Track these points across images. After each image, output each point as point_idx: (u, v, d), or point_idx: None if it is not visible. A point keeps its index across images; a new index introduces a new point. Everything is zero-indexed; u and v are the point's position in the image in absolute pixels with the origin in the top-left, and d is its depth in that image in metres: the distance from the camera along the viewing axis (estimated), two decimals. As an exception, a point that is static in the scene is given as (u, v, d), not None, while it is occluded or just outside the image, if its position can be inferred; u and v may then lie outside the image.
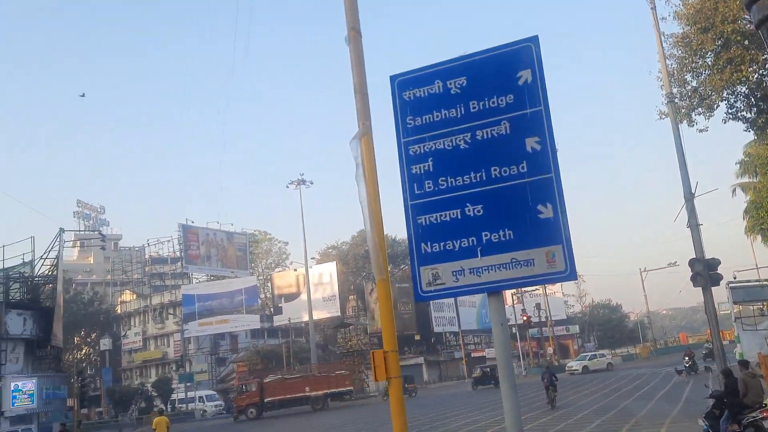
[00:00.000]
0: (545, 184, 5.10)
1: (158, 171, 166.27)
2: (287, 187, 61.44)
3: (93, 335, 72.38)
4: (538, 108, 5.22)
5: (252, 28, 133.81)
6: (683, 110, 20.67)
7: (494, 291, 5.20)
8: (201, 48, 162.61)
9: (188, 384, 57.71)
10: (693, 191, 18.34)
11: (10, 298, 36.51)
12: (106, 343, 69.78)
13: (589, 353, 57.58)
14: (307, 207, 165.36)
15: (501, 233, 5.13)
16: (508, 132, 5.25)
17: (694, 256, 17.44)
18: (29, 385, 34.72)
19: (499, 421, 19.24)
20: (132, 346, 73.85)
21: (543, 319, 72.85)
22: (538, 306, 70.26)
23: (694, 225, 18.05)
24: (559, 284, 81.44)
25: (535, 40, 5.33)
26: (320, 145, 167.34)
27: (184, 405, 56.91)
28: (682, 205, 18.70)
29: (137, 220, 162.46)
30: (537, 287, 71.66)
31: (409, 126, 5.54)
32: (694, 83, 20.56)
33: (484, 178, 5.24)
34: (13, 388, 33.49)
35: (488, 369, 48.06)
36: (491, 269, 5.10)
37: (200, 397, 57.62)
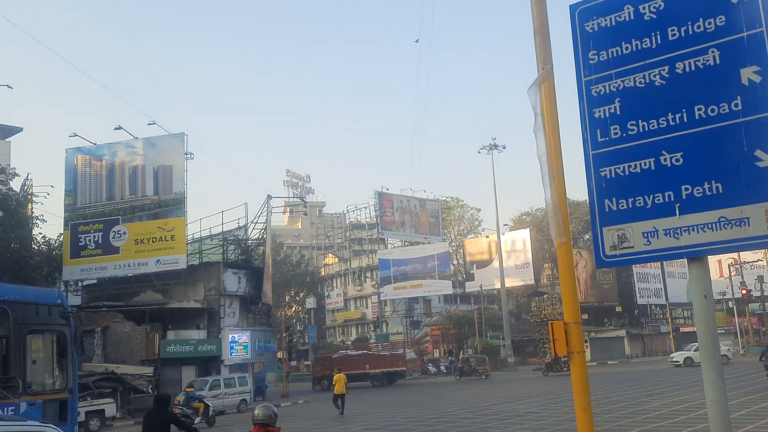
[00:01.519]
0: (767, 124, 4.09)
1: (357, 140, 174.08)
2: (479, 152, 60.75)
3: (301, 294, 78.20)
4: (758, 29, 4.18)
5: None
6: None
7: (696, 256, 4.31)
8: (393, 21, 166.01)
9: (385, 343, 60.18)
10: None
11: (227, 258, 40.26)
12: (311, 302, 75.23)
13: (696, 344, 49.28)
14: (500, 172, 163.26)
15: (706, 186, 4.23)
16: (718, 62, 4.29)
17: None
18: (244, 337, 38.28)
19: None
20: (334, 306, 78.63)
21: (767, 293, 65.09)
22: (760, 279, 62.85)
23: None
24: (787, 253, 72.37)
25: (754, -57, 4.25)
26: (514, 108, 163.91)
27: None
28: None
29: (338, 187, 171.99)
30: (759, 255, 64.30)
31: (591, 62, 4.76)
32: None
33: (686, 120, 4.34)
34: (230, 339, 37.12)
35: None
36: (693, 230, 4.24)
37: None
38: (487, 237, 72.20)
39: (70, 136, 39.63)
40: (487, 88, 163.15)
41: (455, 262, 78.65)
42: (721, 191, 4.16)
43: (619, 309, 70.79)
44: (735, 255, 61.91)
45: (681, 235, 4.28)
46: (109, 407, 26.41)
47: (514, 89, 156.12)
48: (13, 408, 8.92)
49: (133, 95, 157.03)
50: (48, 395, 10.00)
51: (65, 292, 34.78)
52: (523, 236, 67.80)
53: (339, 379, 25.88)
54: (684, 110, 4.35)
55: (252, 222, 42.36)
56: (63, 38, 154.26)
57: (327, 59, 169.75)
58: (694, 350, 46.14)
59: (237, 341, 37.60)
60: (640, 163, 4.48)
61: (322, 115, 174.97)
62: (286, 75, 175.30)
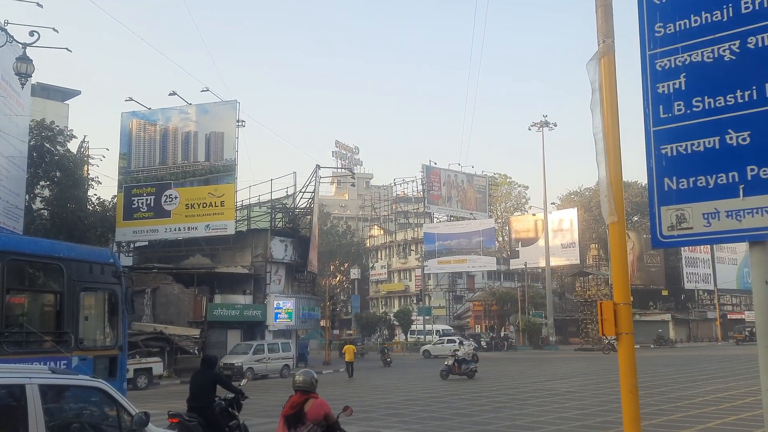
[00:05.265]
0: (842, 104, 3.86)
1: (406, 113, 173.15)
2: (529, 129, 59.75)
3: (345, 265, 78.96)
4: (840, 3, 3.92)
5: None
6: None
7: (758, 240, 4.13)
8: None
9: (426, 317, 60.38)
10: None
11: (275, 226, 40.75)
12: (355, 273, 75.94)
13: (447, 338, 46.62)
14: (550, 150, 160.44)
15: (774, 168, 4.03)
16: (795, 37, 4.05)
17: None
18: (288, 304, 38.89)
19: (755, 392, 16.89)
20: (378, 278, 79.13)
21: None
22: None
23: None
24: None
25: None
26: (564, 86, 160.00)
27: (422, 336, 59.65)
28: None
29: (386, 160, 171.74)
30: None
31: (657, 35, 4.55)
32: None
33: (755, 98, 4.13)
34: (275, 306, 37.77)
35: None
36: (756, 213, 4.06)
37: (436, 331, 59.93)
38: (533, 215, 71.45)
39: (126, 101, 40.37)
40: (538, 66, 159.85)
41: (500, 238, 78.11)
42: (789, 173, 3.97)
43: (665, 293, 69.45)
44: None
45: (744, 217, 4.11)
46: (157, 366, 27.26)
47: (566, 67, 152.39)
48: (65, 362, 9.10)
49: (187, 62, 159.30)
50: (99, 351, 10.25)
51: (117, 253, 35.80)
52: (570, 216, 66.86)
53: (347, 349, 29.55)
54: (754, 87, 4.14)
55: (300, 191, 42.74)
56: (120, 3, 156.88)
57: (379, 32, 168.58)
58: (435, 343, 44.60)
59: (282, 308, 38.23)
60: (704, 142, 4.29)
61: (373, 87, 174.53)
62: (337, 47, 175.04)
